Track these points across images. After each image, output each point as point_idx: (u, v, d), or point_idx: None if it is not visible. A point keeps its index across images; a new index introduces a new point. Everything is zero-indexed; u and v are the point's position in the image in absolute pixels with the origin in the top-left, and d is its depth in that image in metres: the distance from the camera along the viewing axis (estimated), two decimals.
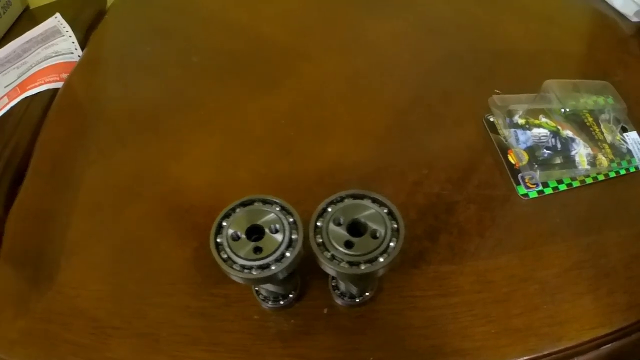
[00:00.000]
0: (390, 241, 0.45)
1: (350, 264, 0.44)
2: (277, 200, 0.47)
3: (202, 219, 0.62)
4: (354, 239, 0.45)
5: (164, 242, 0.61)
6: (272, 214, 0.47)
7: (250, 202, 0.48)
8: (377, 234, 0.45)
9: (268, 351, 0.53)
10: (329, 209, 0.47)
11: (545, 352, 0.52)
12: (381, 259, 0.44)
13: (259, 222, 0.46)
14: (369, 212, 0.46)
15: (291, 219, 0.47)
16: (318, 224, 0.46)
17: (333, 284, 0.54)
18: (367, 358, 0.52)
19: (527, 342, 0.52)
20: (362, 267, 0.44)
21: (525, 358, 0.51)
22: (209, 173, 0.68)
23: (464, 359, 0.52)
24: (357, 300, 0.53)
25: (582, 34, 0.85)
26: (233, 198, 0.48)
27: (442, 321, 0.54)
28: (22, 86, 0.84)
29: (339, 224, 0.46)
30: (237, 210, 0.47)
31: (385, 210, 0.47)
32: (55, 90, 0.82)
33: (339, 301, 0.54)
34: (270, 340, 0.53)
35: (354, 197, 0.48)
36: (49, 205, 0.66)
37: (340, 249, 0.44)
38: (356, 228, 0.46)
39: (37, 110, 0.80)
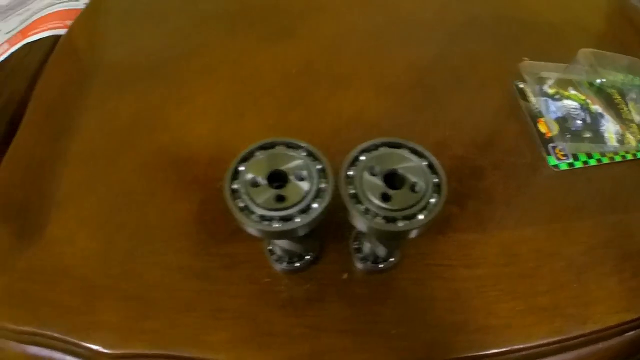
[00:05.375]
0: (431, 197, 0.36)
1: (387, 219, 0.36)
2: (304, 144, 0.38)
3: (203, 170, 0.52)
4: (391, 192, 0.36)
5: (161, 195, 0.52)
6: (298, 160, 0.38)
7: (271, 145, 0.39)
8: (417, 188, 0.37)
9: (277, 320, 0.44)
10: (362, 158, 0.38)
11: (571, 335, 0.45)
12: (421, 216, 0.36)
13: (283, 168, 0.37)
14: (408, 163, 0.38)
15: (319, 166, 0.38)
16: (350, 173, 0.37)
17: (355, 245, 0.45)
18: (388, 331, 0.44)
19: (553, 322, 0.46)
20: (400, 224, 0.35)
21: (551, 339, 0.45)
22: (213, 122, 0.58)
23: (488, 337, 0.45)
24: (381, 265, 0.45)
25: (607, 13, 0.78)
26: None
27: (467, 294, 0.46)
28: (24, 32, 0.75)
29: (373, 174, 0.37)
30: (257, 153, 0.38)
31: (425, 163, 0.38)
32: (58, 37, 0.72)
33: (359, 265, 0.46)
34: (280, 307, 0.45)
35: (390, 145, 0.39)
36: (40, 154, 0.56)
37: (376, 201, 0.36)
38: (392, 180, 0.38)
39: (36, 58, 0.71)
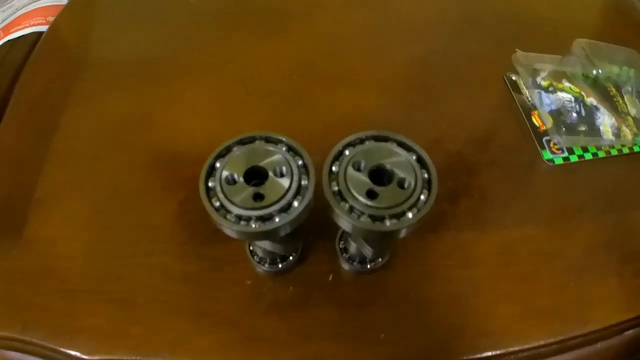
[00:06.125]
0: (420, 193, 0.34)
1: (373, 218, 0.33)
2: (284, 139, 0.36)
3: (191, 169, 0.49)
4: (377, 188, 0.34)
5: (147, 195, 0.50)
6: (277, 155, 0.35)
7: (250, 140, 0.36)
8: (405, 184, 0.34)
9: (261, 324, 0.42)
10: (347, 152, 0.36)
11: (571, 336, 0.43)
12: (410, 215, 0.33)
13: (261, 164, 0.35)
14: (395, 158, 0.35)
15: (300, 162, 0.35)
16: (333, 168, 0.35)
17: (341, 245, 0.43)
18: (378, 336, 0.42)
19: (553, 324, 0.44)
20: (388, 223, 0.33)
21: (550, 341, 0.43)
22: (204, 120, 0.56)
23: (486, 341, 0.42)
24: (369, 266, 0.42)
25: (604, 11, 0.76)
26: None
27: (463, 296, 0.44)
28: (6, 29, 0.72)
29: (358, 170, 0.35)
30: (234, 149, 0.36)
31: (414, 157, 0.35)
32: (40, 34, 0.70)
33: (346, 266, 0.43)
34: (264, 312, 0.43)
35: (377, 139, 0.36)
36: (23, 152, 0.54)
37: (361, 199, 0.33)
38: (379, 176, 0.35)
39: (19, 55, 0.68)
